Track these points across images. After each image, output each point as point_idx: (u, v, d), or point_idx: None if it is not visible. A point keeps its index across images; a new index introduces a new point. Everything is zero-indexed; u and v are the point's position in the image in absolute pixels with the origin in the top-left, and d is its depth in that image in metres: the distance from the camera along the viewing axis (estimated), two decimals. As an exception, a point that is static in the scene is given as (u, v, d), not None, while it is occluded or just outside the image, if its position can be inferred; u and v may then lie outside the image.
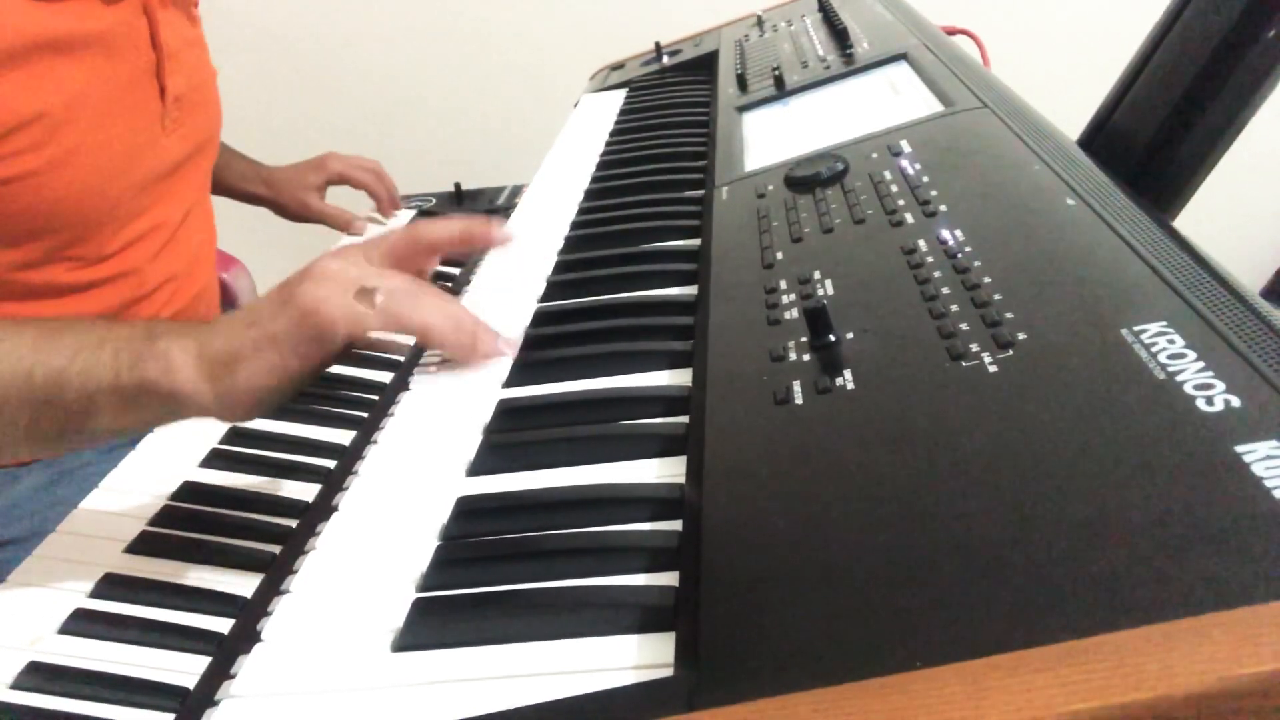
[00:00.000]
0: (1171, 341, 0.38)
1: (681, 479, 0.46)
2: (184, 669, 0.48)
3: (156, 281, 0.84)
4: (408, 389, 0.61)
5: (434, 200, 1.26)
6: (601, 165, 0.95)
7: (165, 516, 0.59)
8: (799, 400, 0.44)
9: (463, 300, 0.73)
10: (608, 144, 1.01)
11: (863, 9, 1.09)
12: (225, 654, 0.48)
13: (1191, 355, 0.37)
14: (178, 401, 0.53)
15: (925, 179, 0.60)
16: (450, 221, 0.65)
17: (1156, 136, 0.60)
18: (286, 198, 1.16)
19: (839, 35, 0.99)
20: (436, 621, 0.41)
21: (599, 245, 0.76)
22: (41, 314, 0.76)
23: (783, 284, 0.55)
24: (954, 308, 0.46)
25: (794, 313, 0.51)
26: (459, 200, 1.25)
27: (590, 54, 1.42)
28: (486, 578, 0.43)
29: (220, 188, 1.09)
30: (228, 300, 1.19)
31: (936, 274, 0.49)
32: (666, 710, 0.32)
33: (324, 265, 0.54)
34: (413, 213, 1.21)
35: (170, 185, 0.82)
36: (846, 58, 0.94)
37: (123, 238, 0.78)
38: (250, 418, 0.54)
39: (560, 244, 0.78)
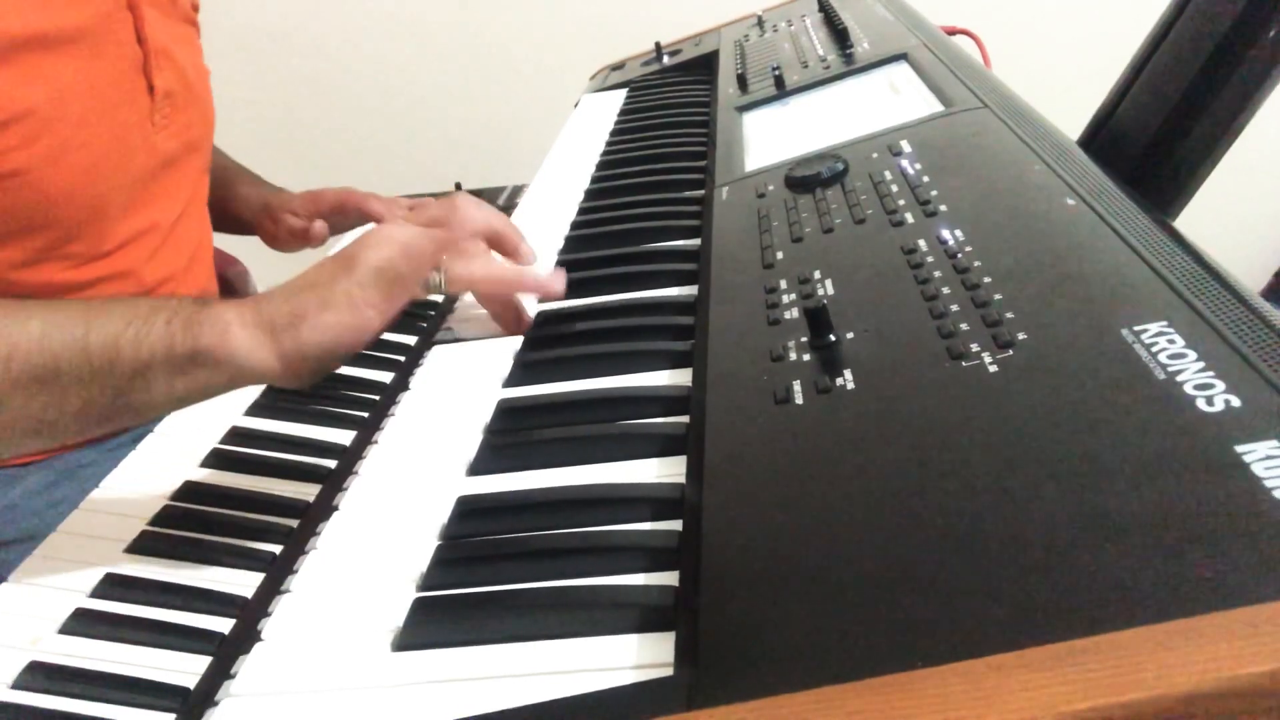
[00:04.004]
0: (1171, 341, 0.38)
1: (681, 479, 0.46)
2: (184, 669, 0.48)
3: (153, 282, 0.83)
4: (408, 389, 0.61)
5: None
6: (601, 165, 0.95)
7: (165, 516, 0.59)
8: (799, 400, 0.44)
9: (463, 300, 0.73)
10: (608, 144, 1.01)
11: (863, 9, 1.09)
12: (225, 654, 0.48)
13: (1191, 355, 0.37)
14: (234, 365, 0.53)
15: (925, 179, 0.60)
16: (489, 215, 0.69)
17: (1156, 136, 0.60)
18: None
19: (839, 35, 0.99)
20: (437, 621, 0.41)
21: (599, 245, 0.76)
22: None
23: (783, 284, 0.55)
24: (954, 308, 0.46)
25: (794, 313, 0.51)
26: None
27: (590, 54, 1.42)
28: (487, 577, 0.43)
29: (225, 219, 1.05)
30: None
31: (936, 274, 0.49)
32: (666, 709, 0.32)
33: (383, 230, 0.59)
34: None
35: (163, 183, 0.82)
36: (846, 58, 0.94)
37: (117, 236, 0.78)
38: (308, 380, 0.55)
39: (560, 244, 0.78)
